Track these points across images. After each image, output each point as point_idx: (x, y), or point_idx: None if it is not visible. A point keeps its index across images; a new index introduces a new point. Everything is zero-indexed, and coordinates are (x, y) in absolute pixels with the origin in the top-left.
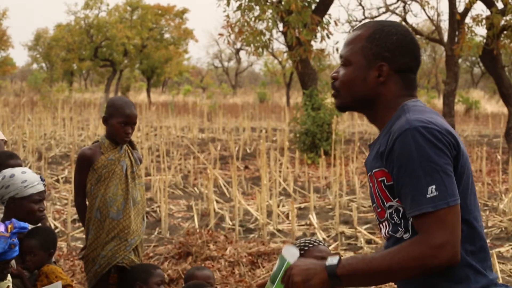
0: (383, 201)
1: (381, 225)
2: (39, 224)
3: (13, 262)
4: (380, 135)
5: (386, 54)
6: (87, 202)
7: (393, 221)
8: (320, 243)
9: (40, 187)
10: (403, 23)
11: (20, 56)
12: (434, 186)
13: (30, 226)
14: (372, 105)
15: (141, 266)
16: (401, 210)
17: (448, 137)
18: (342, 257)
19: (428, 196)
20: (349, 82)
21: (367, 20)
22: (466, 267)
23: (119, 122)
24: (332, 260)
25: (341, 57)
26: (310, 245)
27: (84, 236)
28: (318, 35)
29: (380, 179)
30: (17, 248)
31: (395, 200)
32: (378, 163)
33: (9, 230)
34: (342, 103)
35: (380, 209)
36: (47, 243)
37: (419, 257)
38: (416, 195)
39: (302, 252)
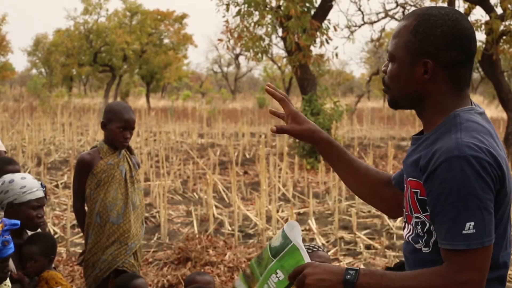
0: (412, 210)
1: (405, 224)
2: (39, 230)
3: (13, 267)
4: (424, 138)
5: (430, 49)
6: (86, 207)
7: (416, 231)
8: (320, 249)
9: (39, 194)
10: None
11: (19, 61)
12: (472, 223)
13: (29, 232)
14: (422, 102)
15: (121, 278)
16: (427, 224)
17: (496, 170)
18: (360, 271)
19: (464, 232)
20: (396, 79)
21: (366, 25)
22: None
23: (118, 127)
24: (350, 276)
25: (387, 51)
26: (309, 251)
27: (83, 241)
28: (318, 40)
29: (414, 189)
30: (11, 245)
31: (423, 214)
32: (416, 173)
33: (0, 228)
34: (392, 99)
35: (407, 213)
36: (47, 249)
37: None
38: (453, 228)
39: None
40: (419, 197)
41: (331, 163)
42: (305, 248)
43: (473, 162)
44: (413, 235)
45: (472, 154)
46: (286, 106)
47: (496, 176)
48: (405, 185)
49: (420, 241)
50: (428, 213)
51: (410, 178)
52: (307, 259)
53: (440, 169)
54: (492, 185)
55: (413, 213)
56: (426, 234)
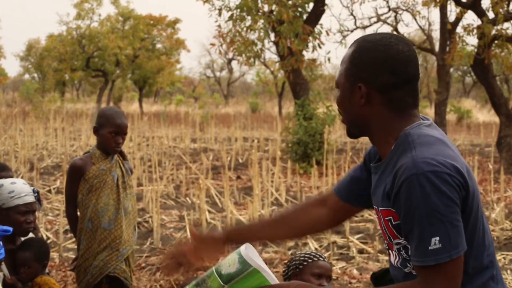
0: (390, 238)
1: (389, 252)
2: (32, 236)
3: (6, 272)
4: (384, 165)
5: (364, 74)
6: (78, 213)
7: (401, 256)
8: (320, 258)
9: (28, 199)
10: (395, 33)
11: (12, 66)
12: (438, 238)
13: (22, 238)
14: (367, 129)
15: None
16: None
17: (457, 179)
18: None
19: (430, 248)
20: (341, 105)
21: (358, 30)
22: (488, 277)
23: (110, 132)
24: None
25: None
26: (310, 260)
27: (76, 247)
28: (310, 45)
29: (387, 218)
30: (2, 250)
31: (402, 238)
32: (385, 202)
33: None
34: (347, 129)
35: (387, 241)
36: (41, 255)
37: None
38: (420, 245)
39: (301, 267)
40: (393, 223)
41: (260, 239)
42: (306, 257)
43: (431, 177)
44: (400, 261)
45: (429, 169)
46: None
47: (459, 184)
48: (377, 215)
49: (408, 264)
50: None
51: (381, 208)
52: (273, 281)
53: (402, 189)
54: (457, 195)
55: (392, 240)
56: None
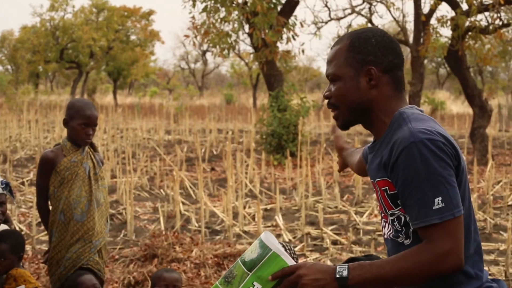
0: (386, 209)
1: (385, 224)
2: (7, 227)
3: None
4: (379, 142)
5: (370, 57)
6: (50, 205)
7: (394, 227)
8: (286, 247)
9: None
10: (369, 24)
11: None
12: (440, 198)
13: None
14: (369, 112)
15: (68, 279)
16: (403, 218)
17: (450, 148)
18: (349, 266)
19: (434, 207)
20: (344, 94)
21: (332, 22)
22: (459, 273)
23: (80, 123)
24: (342, 272)
25: (328, 75)
26: None
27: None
28: (284, 36)
29: (383, 188)
30: None
31: (397, 209)
32: (381, 173)
33: None
34: (344, 120)
35: (383, 214)
36: (17, 247)
37: (426, 264)
38: (423, 207)
39: None
40: (389, 193)
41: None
42: None
43: (428, 144)
44: (392, 232)
45: (426, 137)
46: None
47: (452, 154)
48: (374, 188)
49: (400, 235)
50: (400, 207)
51: (377, 179)
52: (291, 262)
53: (401, 157)
54: (450, 162)
55: (387, 211)
56: (403, 227)
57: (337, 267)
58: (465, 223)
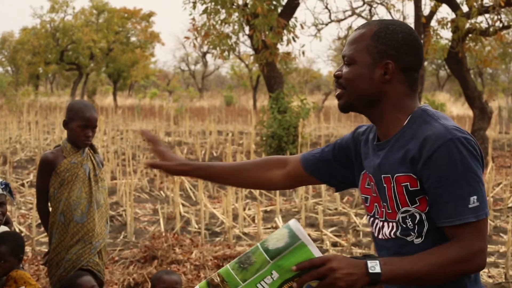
0: (399, 205)
1: (383, 223)
2: (6, 229)
3: None
4: (394, 138)
5: (392, 52)
6: (50, 207)
7: (404, 225)
8: None
9: None
10: None
11: None
12: (475, 197)
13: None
14: (378, 104)
15: (67, 279)
16: (418, 216)
17: (479, 149)
18: (380, 261)
19: (470, 206)
20: (355, 80)
21: (333, 23)
22: (465, 276)
23: (79, 125)
24: (374, 267)
25: (344, 56)
26: None
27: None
28: (284, 38)
29: (403, 184)
30: None
31: (413, 206)
32: (404, 168)
33: None
34: (347, 102)
35: (391, 211)
36: (17, 249)
37: (460, 262)
38: (460, 204)
39: None
40: (410, 189)
41: (216, 181)
42: None
43: (465, 142)
44: (399, 230)
45: (462, 136)
46: (156, 144)
47: (480, 155)
48: (383, 185)
49: (412, 233)
50: (417, 205)
51: (397, 174)
52: (318, 254)
53: (437, 153)
54: (481, 162)
55: (400, 208)
56: (417, 226)
57: (368, 261)
58: None
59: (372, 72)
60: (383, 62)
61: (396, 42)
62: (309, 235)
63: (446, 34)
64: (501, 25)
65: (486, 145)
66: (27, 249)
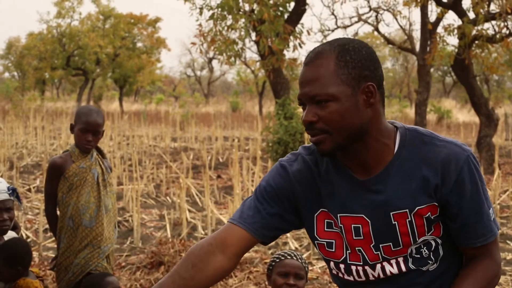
0: (416, 237)
1: (383, 264)
2: (14, 235)
3: None
4: (395, 166)
5: (366, 72)
6: (58, 211)
7: (419, 256)
8: (288, 257)
9: (0, 196)
10: (375, 32)
11: None
12: (491, 209)
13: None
14: (364, 136)
15: (91, 277)
16: (433, 243)
17: None
18: None
19: (491, 218)
20: (344, 118)
21: (339, 30)
22: None
23: (80, 129)
24: None
25: (313, 97)
26: (277, 260)
27: (56, 245)
28: (291, 44)
29: (425, 216)
30: None
31: (429, 233)
32: (426, 198)
33: None
34: (335, 145)
35: (401, 247)
36: (10, 260)
37: (495, 278)
38: (486, 220)
39: (271, 267)
40: (431, 217)
41: None
42: (275, 257)
43: (474, 156)
44: (412, 262)
45: (471, 151)
46: None
47: None
48: (393, 223)
49: (429, 261)
50: (433, 231)
51: (419, 207)
52: None
53: (463, 173)
54: None
55: (417, 240)
56: (432, 253)
57: None
58: None
59: (357, 101)
60: (364, 87)
61: (365, 60)
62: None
63: (453, 41)
64: (507, 32)
65: (493, 152)
66: (34, 254)
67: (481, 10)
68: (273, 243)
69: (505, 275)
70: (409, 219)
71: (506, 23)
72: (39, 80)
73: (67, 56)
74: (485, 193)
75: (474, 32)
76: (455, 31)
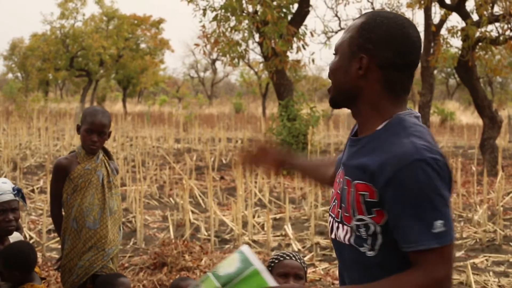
0: (354, 212)
1: (339, 225)
2: (19, 235)
3: None
4: (366, 139)
5: (369, 46)
6: (63, 212)
7: (358, 234)
8: (287, 257)
9: (4, 197)
10: None
11: None
12: (441, 221)
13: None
14: (356, 101)
15: (104, 277)
16: (372, 228)
17: (448, 170)
18: None
19: (434, 231)
20: (334, 72)
21: (342, 31)
22: None
23: (85, 130)
24: None
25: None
26: (276, 261)
27: (60, 246)
28: (294, 46)
29: (361, 192)
30: None
31: (369, 216)
32: (364, 176)
33: None
34: (333, 96)
35: (347, 214)
36: (13, 263)
37: None
38: (423, 229)
39: (270, 268)
40: (366, 199)
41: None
42: (274, 258)
43: (432, 163)
44: (354, 238)
45: (430, 156)
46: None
47: (449, 176)
48: (345, 187)
49: (365, 244)
50: (373, 216)
51: (356, 181)
52: (272, 283)
53: (401, 173)
54: (449, 184)
55: (355, 214)
56: (370, 237)
57: None
58: None
59: (349, 65)
60: (358, 56)
61: (376, 36)
62: (318, 243)
63: (456, 43)
64: (511, 34)
65: (496, 154)
66: (37, 254)
67: (485, 12)
68: (276, 244)
69: (508, 277)
70: (352, 189)
71: (509, 25)
72: (42, 81)
73: (70, 57)
74: (435, 202)
75: (477, 34)
76: (459, 33)
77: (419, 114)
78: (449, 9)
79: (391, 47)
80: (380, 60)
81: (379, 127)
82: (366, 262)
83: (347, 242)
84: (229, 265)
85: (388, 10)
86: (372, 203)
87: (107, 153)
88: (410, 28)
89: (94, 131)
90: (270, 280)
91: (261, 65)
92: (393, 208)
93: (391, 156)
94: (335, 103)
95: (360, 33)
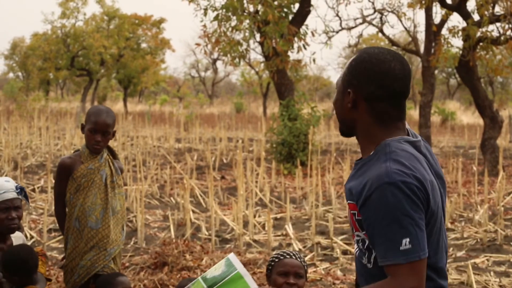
0: (353, 228)
1: (354, 242)
2: (20, 234)
3: None
4: (361, 163)
5: (354, 81)
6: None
7: (358, 248)
8: (287, 256)
9: (7, 196)
10: (380, 34)
11: None
12: (408, 239)
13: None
14: (354, 129)
15: (103, 277)
16: (366, 242)
17: (423, 192)
18: None
19: (402, 248)
20: (334, 105)
21: (343, 31)
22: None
23: (89, 129)
24: None
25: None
26: (276, 260)
27: (61, 245)
28: (295, 45)
29: (352, 211)
30: None
31: (362, 232)
32: (352, 197)
33: None
34: (339, 127)
35: (352, 231)
36: (12, 267)
37: None
38: (391, 247)
39: (270, 267)
40: (356, 218)
41: None
42: (274, 257)
43: (402, 186)
44: (358, 251)
45: (400, 179)
46: None
47: (424, 198)
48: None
49: (364, 257)
50: (365, 232)
51: (349, 201)
52: (253, 285)
53: (373, 195)
54: (421, 206)
55: (354, 231)
56: (367, 251)
57: None
58: (431, 257)
59: (342, 100)
60: (347, 91)
61: (358, 72)
62: (319, 243)
63: (457, 43)
64: None
65: (497, 154)
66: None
67: (486, 12)
68: (276, 244)
69: (509, 277)
70: (348, 209)
71: (510, 25)
72: (43, 80)
73: (71, 56)
74: (402, 222)
75: (478, 34)
76: (460, 33)
77: (415, 139)
78: (450, 9)
79: (373, 82)
80: (365, 93)
81: (372, 153)
82: (367, 273)
83: (356, 255)
84: (216, 269)
85: (389, 10)
86: (360, 221)
87: (111, 152)
88: (392, 62)
89: (98, 131)
90: (252, 283)
91: (262, 64)
92: (368, 226)
93: (368, 179)
94: (342, 133)
95: (349, 69)
